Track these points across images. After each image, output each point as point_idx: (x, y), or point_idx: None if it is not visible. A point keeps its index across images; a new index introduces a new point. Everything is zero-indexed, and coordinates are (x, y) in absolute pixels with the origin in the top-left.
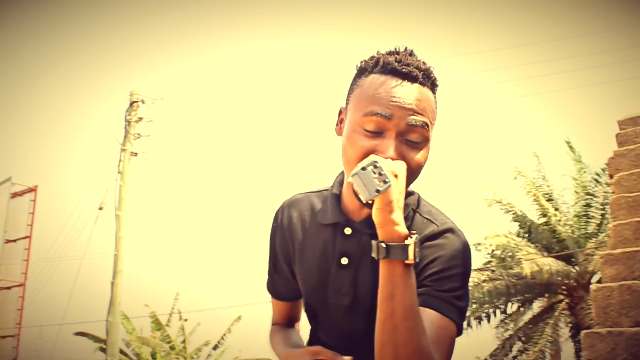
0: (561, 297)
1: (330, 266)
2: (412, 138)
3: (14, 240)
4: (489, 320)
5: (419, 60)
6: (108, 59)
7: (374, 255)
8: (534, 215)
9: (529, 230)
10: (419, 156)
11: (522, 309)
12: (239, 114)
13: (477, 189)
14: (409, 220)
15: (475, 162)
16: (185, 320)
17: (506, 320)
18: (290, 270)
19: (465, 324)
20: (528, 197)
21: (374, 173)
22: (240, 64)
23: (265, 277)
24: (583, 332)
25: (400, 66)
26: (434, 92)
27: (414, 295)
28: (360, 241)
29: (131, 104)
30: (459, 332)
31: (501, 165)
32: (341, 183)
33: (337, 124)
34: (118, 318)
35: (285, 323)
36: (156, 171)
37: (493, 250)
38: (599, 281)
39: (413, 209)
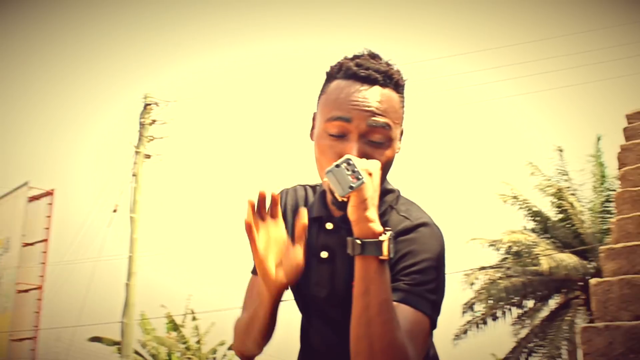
0: (578, 293)
1: (312, 259)
2: (374, 139)
3: (32, 244)
4: (505, 318)
5: (381, 63)
6: (121, 61)
7: (349, 251)
8: (550, 212)
9: (545, 227)
10: (384, 155)
11: (538, 304)
12: (251, 115)
13: (493, 185)
14: (385, 216)
15: (493, 159)
16: (198, 320)
17: (522, 317)
18: None
19: (481, 321)
20: (544, 194)
21: (348, 170)
22: (254, 65)
23: None
24: (581, 326)
25: (359, 70)
26: (398, 92)
27: (388, 290)
28: (340, 236)
29: (145, 107)
30: (433, 325)
31: (518, 161)
32: None
33: (311, 130)
34: (133, 319)
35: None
36: (170, 173)
37: (510, 247)
38: (599, 275)
39: (391, 206)
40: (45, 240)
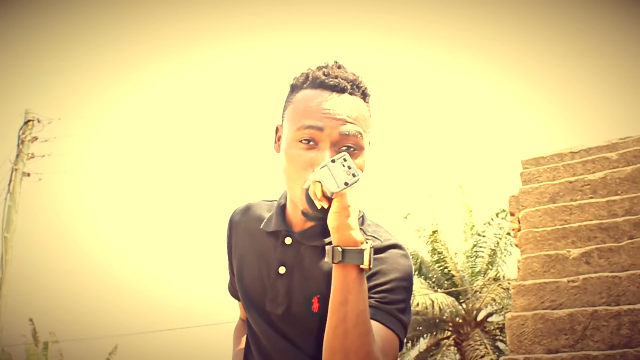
0: (448, 333)
1: (269, 274)
2: (347, 146)
3: None
4: None
5: (348, 72)
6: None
7: (327, 259)
8: (424, 253)
9: (420, 267)
10: (355, 164)
11: (409, 345)
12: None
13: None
14: None
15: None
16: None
17: None
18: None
19: None
20: (419, 236)
21: (343, 166)
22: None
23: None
24: (502, 358)
25: (328, 79)
26: (365, 101)
27: (366, 301)
28: (298, 252)
29: (25, 123)
30: (401, 346)
31: (395, 203)
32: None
33: (275, 142)
34: (0, 345)
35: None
36: (52, 192)
37: None
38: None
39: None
40: None
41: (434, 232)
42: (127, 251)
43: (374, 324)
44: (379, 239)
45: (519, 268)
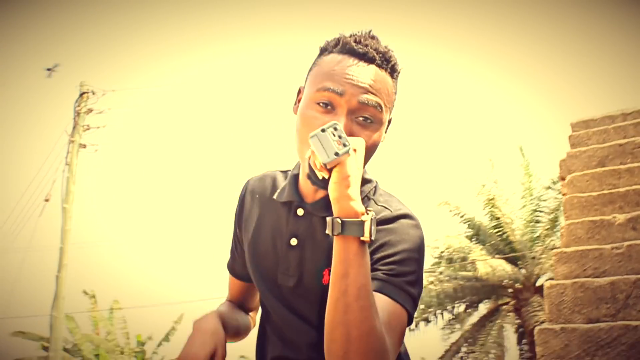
0: (507, 299)
1: (281, 245)
2: (364, 117)
3: None
4: (436, 323)
5: (380, 44)
6: (57, 50)
7: (328, 231)
8: (483, 219)
9: (477, 233)
10: (369, 136)
11: (468, 310)
12: (198, 107)
13: (430, 191)
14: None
15: (430, 164)
16: (124, 310)
17: (452, 322)
18: (242, 253)
19: (413, 325)
20: (479, 201)
21: (334, 135)
22: (202, 57)
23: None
24: (537, 328)
25: (358, 46)
26: (393, 77)
27: (367, 274)
28: (310, 223)
29: (81, 95)
30: (410, 320)
31: (456, 168)
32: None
33: (295, 103)
34: (62, 313)
35: (237, 303)
36: (107, 164)
37: (442, 252)
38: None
39: (368, 196)
40: None
41: (491, 198)
42: (189, 218)
43: (381, 297)
44: (389, 209)
45: (562, 234)
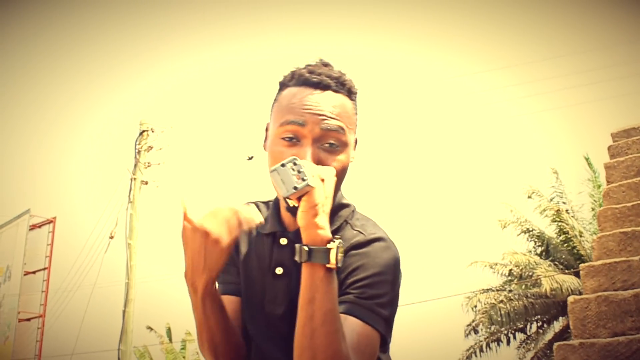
0: None
1: (267, 275)
2: (329, 143)
3: (33, 272)
4: (508, 343)
5: (333, 70)
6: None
7: (296, 258)
8: (551, 233)
9: (546, 248)
10: (337, 161)
11: (542, 329)
12: (250, 132)
13: (492, 207)
14: (340, 231)
15: (490, 179)
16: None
17: (527, 341)
18: (237, 272)
19: (484, 346)
20: (544, 216)
21: (293, 170)
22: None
23: None
24: (556, 344)
25: (311, 76)
26: (351, 98)
27: (334, 300)
28: (294, 252)
29: (141, 133)
30: (383, 340)
31: (517, 182)
32: None
33: (264, 140)
34: (130, 346)
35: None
36: (167, 199)
37: (511, 270)
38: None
39: (346, 221)
40: (46, 269)
41: (557, 210)
42: None
43: (351, 320)
44: (363, 233)
45: (593, 248)
